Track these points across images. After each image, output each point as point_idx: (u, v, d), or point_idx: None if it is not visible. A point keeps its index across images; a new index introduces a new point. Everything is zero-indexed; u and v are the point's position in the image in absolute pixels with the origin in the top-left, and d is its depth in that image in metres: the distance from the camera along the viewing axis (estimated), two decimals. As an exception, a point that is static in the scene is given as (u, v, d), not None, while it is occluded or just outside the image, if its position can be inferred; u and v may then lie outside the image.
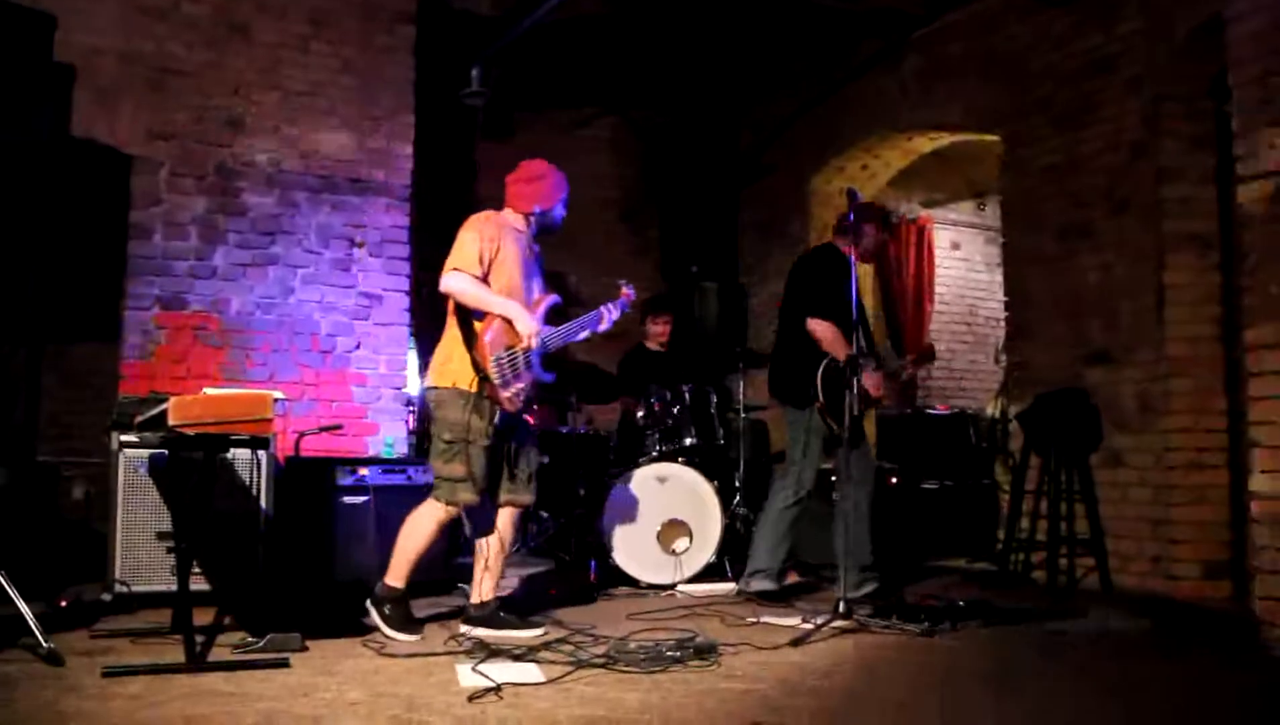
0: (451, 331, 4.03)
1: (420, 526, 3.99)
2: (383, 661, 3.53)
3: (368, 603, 3.98)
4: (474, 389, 3.91)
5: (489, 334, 3.91)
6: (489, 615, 4.05)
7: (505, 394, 3.91)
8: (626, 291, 4.52)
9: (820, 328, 4.78)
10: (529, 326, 3.96)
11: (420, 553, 3.99)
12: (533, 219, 4.20)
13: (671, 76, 8.01)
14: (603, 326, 4.37)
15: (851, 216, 4.90)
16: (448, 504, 3.96)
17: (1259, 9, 4.03)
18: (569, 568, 5.87)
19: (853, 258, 4.83)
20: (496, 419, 3.97)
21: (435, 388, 4.01)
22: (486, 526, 4.12)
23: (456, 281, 3.93)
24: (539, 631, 4.02)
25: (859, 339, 4.74)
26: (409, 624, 3.95)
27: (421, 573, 4.70)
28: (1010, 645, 3.99)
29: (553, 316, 4.20)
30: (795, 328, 4.87)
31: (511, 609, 4.19)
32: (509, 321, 3.96)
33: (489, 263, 3.98)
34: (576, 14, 6.66)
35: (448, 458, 3.93)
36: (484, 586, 4.09)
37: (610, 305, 4.41)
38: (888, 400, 7.27)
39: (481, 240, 3.98)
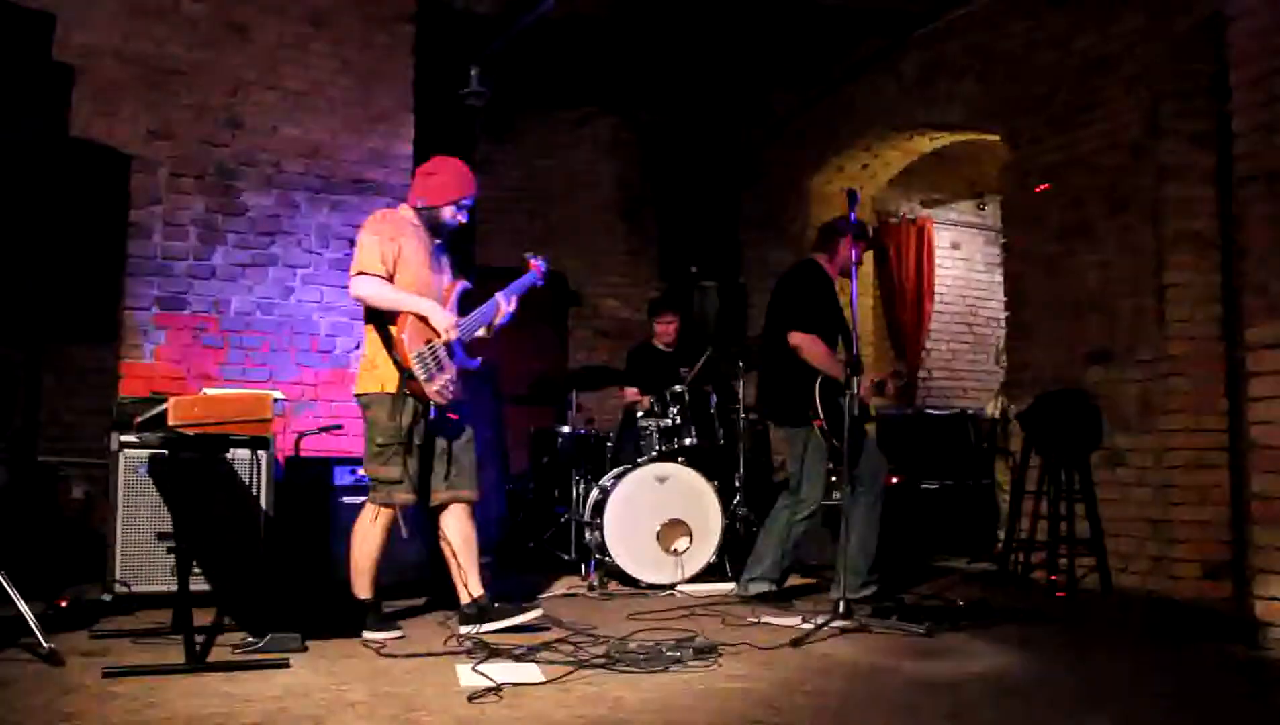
0: (371, 336, 4.05)
1: (366, 535, 4.02)
2: (383, 661, 3.53)
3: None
4: (401, 389, 3.92)
5: (405, 333, 3.92)
6: (483, 610, 4.04)
7: (433, 388, 3.93)
8: (535, 264, 4.44)
9: (803, 340, 4.77)
10: (444, 320, 3.99)
11: (375, 560, 4.03)
12: (421, 214, 4.17)
13: (671, 76, 8.01)
14: (505, 309, 4.20)
15: (828, 233, 5.01)
16: (383, 506, 3.99)
17: (1259, 7, 4.02)
18: (569, 568, 5.87)
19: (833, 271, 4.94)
20: (432, 414, 3.99)
21: (364, 393, 4.03)
22: (434, 527, 4.13)
23: (365, 286, 3.96)
24: (536, 613, 4.04)
25: (852, 349, 4.74)
26: (385, 623, 3.99)
27: (416, 572, 4.75)
28: (1010, 646, 3.98)
29: (468, 301, 4.19)
30: (782, 346, 4.85)
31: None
32: (423, 318, 3.97)
33: (393, 261, 3.99)
34: (576, 13, 6.66)
35: (383, 461, 3.96)
36: (469, 585, 4.08)
37: (512, 287, 4.28)
38: (888, 399, 7.27)
39: (381, 240, 3.99)
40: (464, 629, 3.98)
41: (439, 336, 3.99)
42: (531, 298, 4.44)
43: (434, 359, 3.96)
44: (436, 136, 6.46)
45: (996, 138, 6.54)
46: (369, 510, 4.03)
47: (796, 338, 4.78)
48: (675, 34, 7.24)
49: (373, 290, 3.95)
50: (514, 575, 5.63)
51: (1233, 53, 4.15)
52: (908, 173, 8.28)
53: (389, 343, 3.96)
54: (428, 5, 6.33)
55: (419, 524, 4.24)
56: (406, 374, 3.90)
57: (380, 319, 4.00)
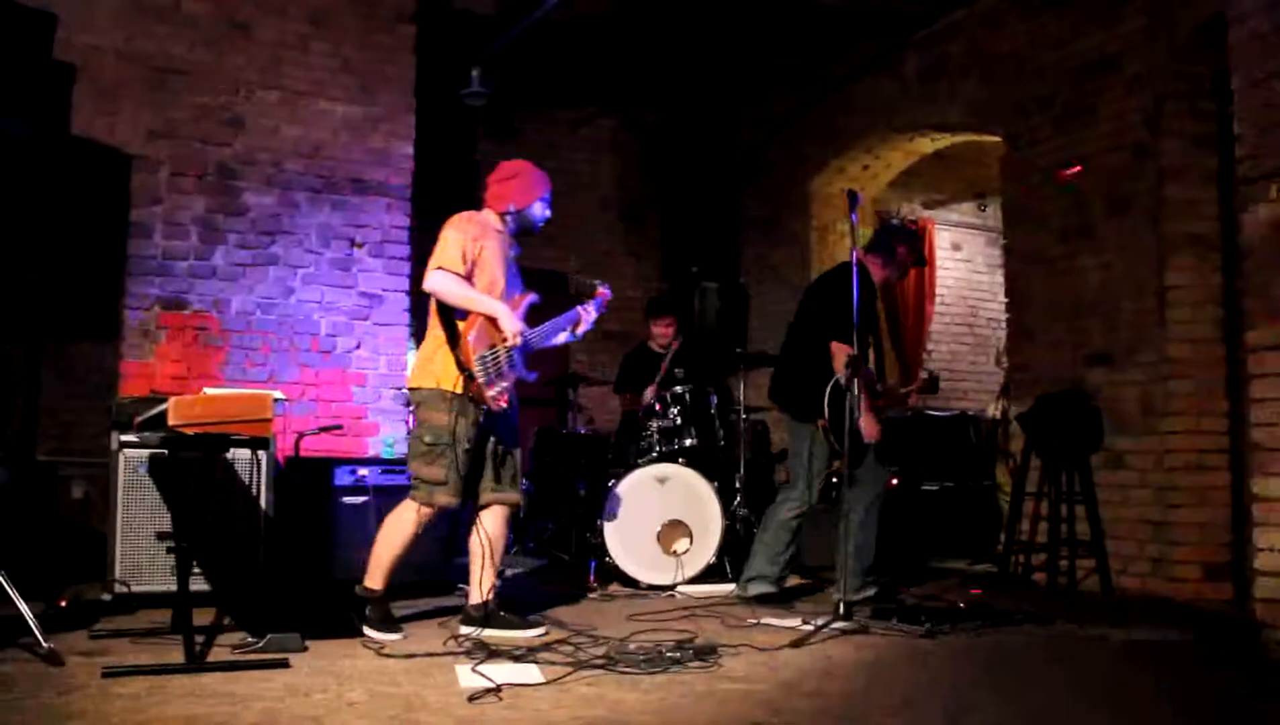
0: (434, 332, 4.03)
1: (398, 529, 3.99)
2: (382, 662, 3.53)
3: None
4: (458, 389, 3.91)
5: (473, 333, 3.91)
6: (488, 615, 4.04)
7: (490, 392, 3.91)
8: (602, 291, 4.49)
9: (842, 353, 4.61)
10: (513, 325, 3.97)
11: (398, 556, 3.99)
12: (509, 218, 4.20)
13: (672, 76, 8.01)
14: (581, 328, 4.34)
15: (889, 236, 5.00)
16: (424, 506, 3.97)
17: (1261, 9, 4.01)
18: (569, 568, 5.87)
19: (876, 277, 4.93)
20: (481, 419, 3.97)
21: (418, 388, 4.02)
22: (470, 528, 4.13)
23: (441, 281, 3.94)
24: (539, 631, 4.02)
25: (871, 357, 4.73)
26: (388, 623, 3.97)
27: (418, 573, 4.73)
28: (1010, 647, 3.98)
29: (531, 315, 4.19)
30: (810, 343, 4.80)
31: (511, 609, 4.18)
32: (492, 320, 3.96)
33: (472, 262, 3.99)
34: (577, 13, 6.66)
35: (429, 460, 3.94)
36: (481, 587, 4.08)
37: (586, 306, 4.37)
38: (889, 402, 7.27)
39: (465, 239, 3.99)
40: (464, 629, 3.98)
41: (504, 342, 3.97)
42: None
43: (495, 364, 3.94)
44: (437, 137, 6.47)
45: (998, 139, 6.54)
46: (408, 505, 3.99)
47: (839, 348, 4.64)
48: (676, 34, 7.24)
49: (447, 285, 3.93)
50: (514, 572, 5.63)
51: (1234, 55, 4.14)
52: (909, 174, 8.28)
53: (453, 340, 3.94)
54: (428, 5, 6.33)
55: (442, 524, 4.24)
56: (467, 374, 3.88)
57: (448, 315, 3.98)
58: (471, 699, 3.00)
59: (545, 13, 6.13)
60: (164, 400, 3.47)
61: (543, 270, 7.93)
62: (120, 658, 3.45)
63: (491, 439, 4.08)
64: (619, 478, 5.45)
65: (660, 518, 5.35)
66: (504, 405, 3.97)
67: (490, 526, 4.09)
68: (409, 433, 6.16)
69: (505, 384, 3.97)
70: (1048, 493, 5.68)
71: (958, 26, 6.70)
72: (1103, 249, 5.73)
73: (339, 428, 5.56)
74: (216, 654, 3.49)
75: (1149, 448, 5.44)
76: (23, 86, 4.86)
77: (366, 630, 3.91)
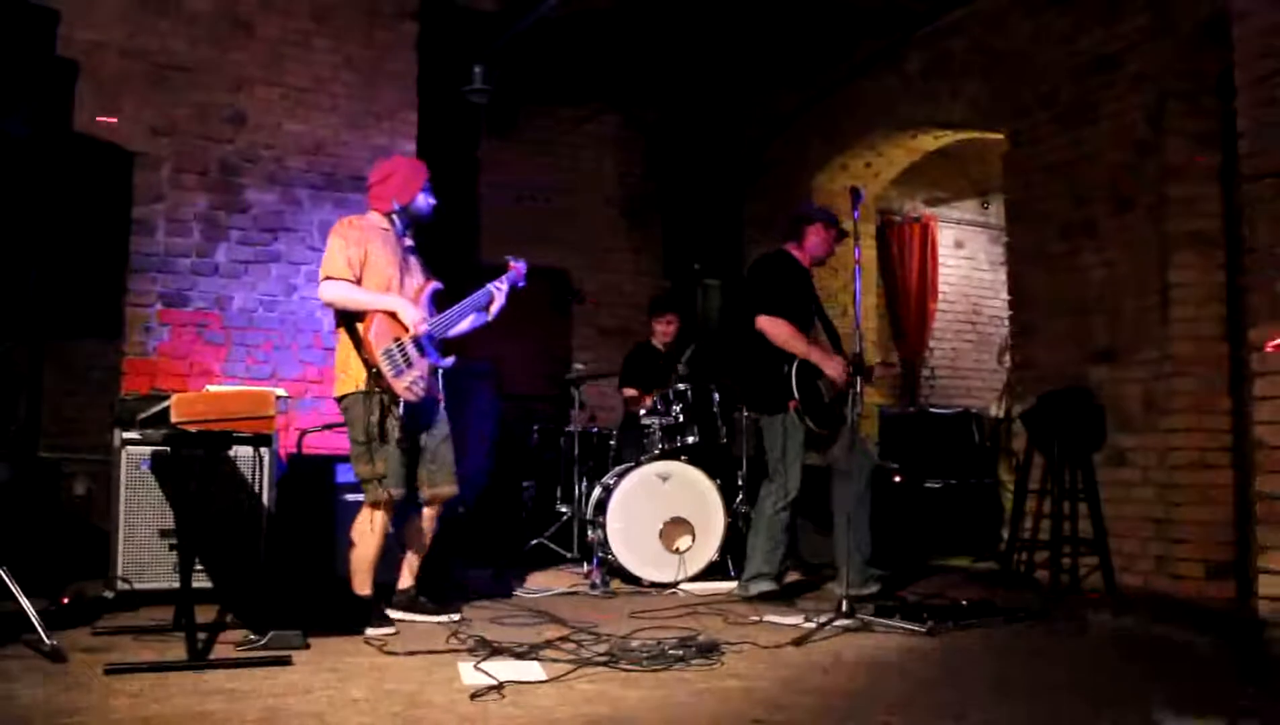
0: (342, 339, 4.13)
1: (363, 533, 4.11)
2: (385, 659, 3.53)
3: None
4: (368, 386, 3.99)
5: (372, 330, 4.00)
6: (408, 601, 4.23)
7: (401, 384, 3.99)
8: (515, 265, 4.49)
9: (768, 323, 4.80)
10: (412, 316, 4.07)
11: (373, 558, 4.10)
12: (395, 217, 4.25)
13: (675, 73, 8.00)
14: (495, 306, 4.36)
15: (794, 221, 5.09)
16: (375, 507, 4.06)
17: (1264, 5, 4.01)
18: (571, 565, 5.87)
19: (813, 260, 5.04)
20: (400, 411, 4.01)
21: (343, 396, 4.11)
22: (404, 520, 4.25)
23: (332, 289, 4.05)
24: (454, 617, 4.18)
25: (844, 344, 4.76)
26: (380, 619, 4.05)
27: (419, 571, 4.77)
28: (1012, 645, 3.98)
29: (443, 300, 4.27)
30: (753, 334, 4.88)
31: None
32: (392, 315, 4.04)
33: (359, 266, 4.08)
34: (579, 10, 6.65)
35: (367, 458, 4.04)
36: (413, 574, 4.27)
37: (499, 282, 4.38)
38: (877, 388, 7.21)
39: (347, 245, 4.08)
40: (391, 613, 4.14)
41: (407, 332, 4.04)
42: (533, 296, 4.46)
43: (402, 355, 4.03)
44: (439, 133, 6.46)
45: (1001, 136, 6.53)
46: (365, 512, 4.11)
47: (762, 321, 4.82)
48: (679, 31, 7.23)
49: (339, 293, 4.05)
50: (517, 571, 5.63)
51: (1238, 51, 4.13)
52: (911, 171, 8.27)
53: (357, 343, 4.03)
54: (431, 2, 6.32)
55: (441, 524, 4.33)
56: (374, 372, 3.96)
57: (350, 321, 4.08)
58: (474, 696, 3.00)
59: (547, 10, 6.12)
60: (166, 397, 3.48)
61: (539, 266, 7.93)
62: (123, 655, 3.46)
63: (418, 435, 4.15)
64: (621, 475, 5.45)
65: (663, 515, 5.35)
66: (419, 394, 4.05)
67: (420, 517, 4.24)
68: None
69: (416, 374, 4.05)
70: (1050, 490, 5.67)
71: (960, 24, 6.69)
72: (1105, 246, 5.72)
73: (341, 425, 5.55)
74: (219, 651, 3.49)
75: (1151, 445, 5.43)
76: (25, 83, 4.86)
77: (368, 631, 3.95)
